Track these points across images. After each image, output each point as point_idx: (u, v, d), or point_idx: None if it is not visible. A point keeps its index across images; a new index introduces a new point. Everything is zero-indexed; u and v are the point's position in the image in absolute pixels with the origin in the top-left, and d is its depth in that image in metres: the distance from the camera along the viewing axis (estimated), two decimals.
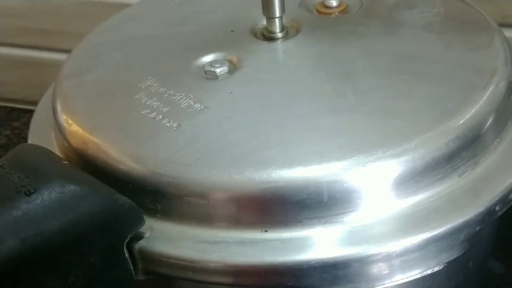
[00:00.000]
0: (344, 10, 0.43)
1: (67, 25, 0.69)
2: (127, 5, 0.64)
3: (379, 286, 0.33)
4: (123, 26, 0.45)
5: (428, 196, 0.33)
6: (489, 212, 0.33)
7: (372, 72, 0.37)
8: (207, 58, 0.39)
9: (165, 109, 0.36)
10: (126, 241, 0.31)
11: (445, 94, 0.36)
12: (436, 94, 0.36)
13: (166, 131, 0.35)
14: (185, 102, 0.36)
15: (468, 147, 0.34)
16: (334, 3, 0.43)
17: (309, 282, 0.32)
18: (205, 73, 0.38)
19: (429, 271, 0.33)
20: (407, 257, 0.32)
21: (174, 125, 0.35)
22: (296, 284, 0.32)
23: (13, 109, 0.75)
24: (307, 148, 0.33)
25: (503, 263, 0.49)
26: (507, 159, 0.35)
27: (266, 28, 0.40)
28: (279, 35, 0.40)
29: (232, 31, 0.41)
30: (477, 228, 0.33)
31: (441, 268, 0.33)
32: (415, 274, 0.33)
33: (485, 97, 0.35)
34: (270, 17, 0.40)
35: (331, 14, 0.42)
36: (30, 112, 0.73)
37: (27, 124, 0.72)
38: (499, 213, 0.34)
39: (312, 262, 0.31)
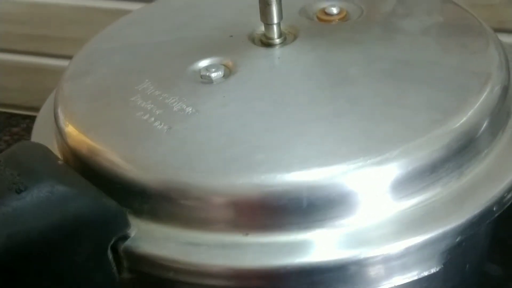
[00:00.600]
0: (344, 17, 0.43)
1: (66, 31, 0.69)
2: (126, 11, 0.65)
3: None
4: (124, 32, 0.46)
5: (417, 202, 0.34)
6: (473, 223, 0.34)
7: (367, 78, 0.38)
8: (204, 63, 0.40)
9: (158, 112, 0.36)
10: (111, 243, 0.32)
11: (438, 100, 0.36)
12: (429, 100, 0.36)
13: (156, 133, 0.35)
14: (178, 106, 0.37)
15: (463, 151, 0.35)
16: (335, 11, 0.43)
17: (301, 285, 0.32)
18: (201, 78, 0.39)
19: (425, 273, 0.33)
20: (395, 262, 0.33)
21: (165, 127, 0.35)
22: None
23: (12, 114, 0.75)
24: (298, 152, 0.33)
25: (500, 266, 0.49)
26: (502, 162, 0.36)
27: (264, 34, 0.41)
28: (277, 41, 0.41)
29: (231, 36, 0.42)
30: (458, 239, 0.33)
31: (437, 270, 0.34)
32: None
33: (479, 102, 0.36)
34: (268, 24, 0.40)
35: (332, 21, 0.43)
36: (30, 118, 0.74)
37: (26, 129, 0.73)
38: (485, 223, 0.34)
39: (307, 266, 0.32)
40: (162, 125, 0.36)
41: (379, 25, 0.42)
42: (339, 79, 0.38)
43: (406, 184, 0.33)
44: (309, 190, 0.32)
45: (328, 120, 0.35)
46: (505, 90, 0.38)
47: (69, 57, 0.70)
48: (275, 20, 0.40)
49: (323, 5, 0.44)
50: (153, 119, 0.36)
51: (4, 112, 0.76)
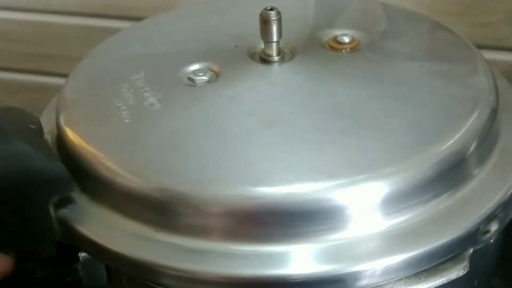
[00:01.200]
0: (355, 47, 0.43)
1: (68, 50, 0.70)
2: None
3: None
4: (126, 44, 0.46)
5: (403, 220, 0.34)
6: (457, 243, 0.34)
7: (357, 101, 0.38)
8: (195, 67, 0.41)
9: (131, 102, 0.39)
10: (54, 200, 0.35)
11: (428, 122, 0.37)
12: (418, 122, 0.37)
13: (118, 122, 0.37)
14: (150, 100, 0.39)
15: (452, 172, 0.35)
16: (347, 39, 0.43)
17: None
18: (187, 80, 0.40)
19: None
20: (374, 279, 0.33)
21: (128, 118, 0.38)
22: None
23: None
24: (281, 165, 0.34)
25: (503, 280, 0.49)
26: (490, 183, 0.36)
27: (263, 51, 0.42)
28: (275, 58, 0.42)
29: (236, 46, 0.43)
30: (461, 248, 0.34)
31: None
32: None
33: (468, 125, 0.36)
34: (267, 41, 0.41)
35: (343, 50, 0.43)
36: None
37: None
38: (470, 243, 0.35)
39: (282, 278, 0.32)
40: (126, 115, 0.38)
41: (380, 53, 0.43)
42: (329, 100, 0.38)
43: (392, 202, 0.34)
44: (293, 204, 0.33)
45: (315, 139, 0.36)
46: (493, 112, 0.38)
47: None
48: (274, 38, 0.41)
49: (336, 32, 0.44)
50: (124, 107, 0.38)
51: None
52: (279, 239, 0.33)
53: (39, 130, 0.38)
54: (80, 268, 0.37)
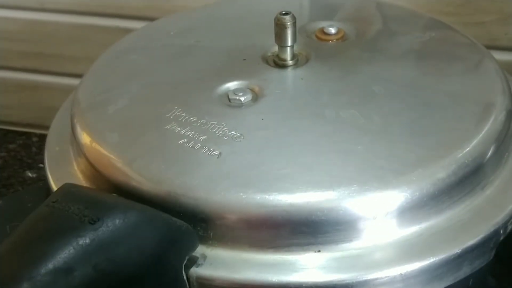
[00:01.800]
0: (342, 37, 0.44)
1: (63, 49, 0.69)
2: (124, 29, 0.66)
3: None
4: (129, 55, 0.46)
5: (422, 227, 0.34)
6: (486, 241, 0.34)
7: (373, 107, 0.38)
8: (229, 86, 0.40)
9: (201, 138, 0.36)
10: (184, 263, 0.32)
11: (444, 128, 0.37)
12: (434, 128, 0.37)
13: (208, 159, 0.35)
14: (220, 130, 0.37)
15: (469, 178, 0.35)
16: (333, 30, 0.44)
17: None
18: (229, 101, 0.39)
19: None
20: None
21: (216, 153, 0.35)
22: None
23: (9, 131, 0.75)
24: (295, 174, 0.34)
25: (496, 278, 0.50)
26: (507, 189, 0.36)
27: (277, 56, 0.42)
28: (290, 62, 0.41)
29: (245, 59, 0.42)
30: (475, 257, 0.34)
31: None
32: None
33: (484, 130, 0.36)
34: (282, 46, 0.41)
35: (330, 40, 0.44)
36: (26, 134, 0.74)
37: (22, 146, 0.73)
38: (487, 249, 0.35)
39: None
40: (211, 151, 0.36)
41: (378, 45, 0.43)
42: (363, 98, 0.38)
43: (407, 211, 0.34)
44: (307, 213, 0.33)
45: (329, 147, 0.36)
46: (509, 115, 0.38)
47: (66, 75, 0.71)
48: (289, 42, 0.41)
49: (320, 25, 0.45)
50: (199, 145, 0.36)
51: (1, 129, 0.75)
52: (292, 247, 0.33)
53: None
54: None
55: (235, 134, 0.36)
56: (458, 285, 0.37)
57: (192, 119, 0.38)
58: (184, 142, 0.36)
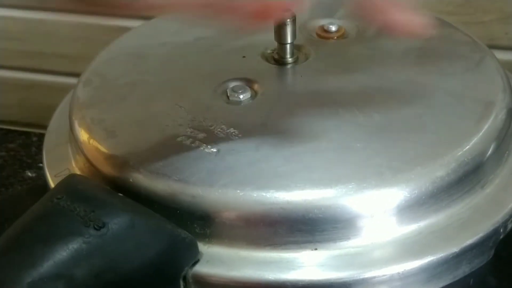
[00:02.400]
0: (343, 35, 0.44)
1: (63, 48, 0.69)
2: (123, 28, 0.65)
3: None
4: (128, 53, 0.46)
5: (422, 225, 0.34)
6: (487, 240, 0.34)
7: (372, 105, 0.38)
8: (228, 84, 0.40)
9: (200, 136, 0.36)
10: (184, 273, 0.32)
11: (444, 126, 0.36)
12: (434, 126, 0.36)
13: (207, 156, 0.35)
14: (218, 128, 0.37)
15: (469, 176, 0.35)
16: (333, 28, 0.44)
17: None
18: (228, 99, 0.39)
19: None
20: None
21: (214, 150, 0.35)
22: None
23: (8, 131, 0.75)
24: (294, 171, 0.34)
25: (497, 278, 0.50)
26: (507, 188, 0.36)
27: (277, 53, 0.42)
28: (290, 60, 0.41)
29: (244, 56, 0.42)
30: (475, 255, 0.34)
31: None
32: None
33: (485, 128, 0.36)
34: (282, 43, 0.41)
35: (330, 38, 0.44)
36: (26, 134, 0.74)
37: (22, 145, 0.73)
38: (486, 248, 0.35)
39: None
40: (209, 148, 0.36)
41: (378, 44, 0.43)
42: (345, 104, 0.38)
43: (407, 209, 0.34)
44: (306, 210, 0.33)
45: (329, 145, 0.35)
46: (509, 113, 0.38)
47: (65, 74, 0.71)
48: (289, 40, 0.41)
49: (321, 22, 0.45)
50: (197, 143, 0.36)
51: (1, 129, 0.75)
52: (289, 245, 0.33)
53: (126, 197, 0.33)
54: None
55: (233, 132, 0.36)
56: (459, 285, 0.37)
57: (190, 116, 0.38)
58: (182, 139, 0.36)
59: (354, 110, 0.37)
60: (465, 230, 0.34)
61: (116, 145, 0.37)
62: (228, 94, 0.39)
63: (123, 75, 0.42)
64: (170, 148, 0.36)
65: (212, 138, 0.36)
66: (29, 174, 0.69)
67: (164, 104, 0.39)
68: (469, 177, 0.35)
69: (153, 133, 0.37)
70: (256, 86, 0.40)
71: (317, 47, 0.43)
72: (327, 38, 0.44)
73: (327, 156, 0.35)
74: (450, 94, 0.39)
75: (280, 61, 0.41)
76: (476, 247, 0.34)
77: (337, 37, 0.44)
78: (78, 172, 0.38)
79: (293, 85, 0.41)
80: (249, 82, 0.40)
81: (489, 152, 0.36)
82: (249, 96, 0.39)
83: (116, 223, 0.30)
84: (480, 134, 0.36)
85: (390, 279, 0.33)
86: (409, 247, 0.33)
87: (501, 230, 0.35)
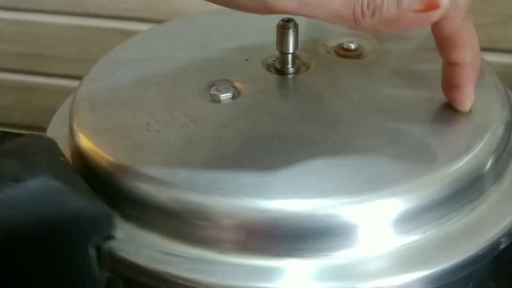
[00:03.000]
0: (361, 54, 0.43)
1: (60, 50, 0.69)
2: (121, 30, 0.66)
3: None
4: (145, 45, 0.46)
5: (419, 238, 0.34)
6: (485, 253, 0.34)
7: (371, 115, 0.38)
8: (215, 82, 0.40)
9: (159, 118, 0.38)
10: (95, 242, 0.34)
11: (444, 138, 0.37)
12: (434, 138, 0.37)
13: (151, 139, 0.37)
14: (179, 118, 0.38)
15: (466, 191, 0.35)
16: (352, 46, 0.43)
17: None
18: (210, 96, 0.40)
19: None
20: None
21: (158, 134, 0.37)
22: None
23: (6, 133, 0.75)
24: (291, 179, 0.34)
25: (496, 282, 0.50)
26: (504, 203, 0.36)
27: (279, 62, 0.42)
28: (291, 70, 0.41)
29: (247, 59, 0.43)
30: (471, 269, 0.34)
31: None
32: None
33: (483, 142, 0.36)
34: (283, 53, 0.41)
35: (348, 57, 0.43)
36: (23, 136, 0.73)
37: None
38: (481, 262, 0.35)
39: None
40: (160, 133, 0.37)
41: (388, 64, 0.43)
42: (343, 115, 0.38)
43: (403, 221, 0.34)
44: (302, 219, 0.33)
45: (326, 154, 0.35)
46: (508, 127, 0.38)
47: (64, 76, 0.71)
48: (291, 49, 0.41)
49: (342, 40, 0.44)
50: (155, 127, 0.37)
51: None
52: (284, 254, 0.33)
53: (67, 162, 0.36)
54: None
55: (187, 122, 0.38)
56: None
57: (166, 104, 0.39)
58: (146, 122, 0.38)
59: (348, 123, 0.38)
60: (462, 244, 0.34)
61: (115, 149, 0.37)
62: (211, 92, 0.40)
63: (125, 79, 0.42)
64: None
65: (167, 125, 0.37)
66: None
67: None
68: (466, 191, 0.35)
69: (126, 114, 0.39)
70: (240, 88, 0.40)
71: (324, 63, 0.43)
72: (344, 57, 0.43)
73: (322, 166, 0.35)
74: (448, 109, 0.39)
75: (279, 70, 0.42)
76: (473, 261, 0.34)
77: (355, 56, 0.43)
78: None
79: (279, 93, 0.41)
80: (233, 83, 0.41)
81: (486, 167, 0.36)
82: (230, 96, 0.39)
83: (34, 180, 0.32)
84: (478, 148, 0.36)
85: None
86: (404, 260, 0.33)
87: (499, 244, 0.35)
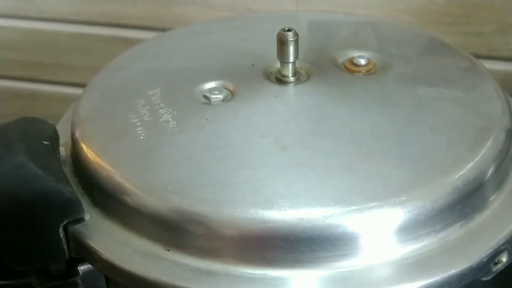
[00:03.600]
0: (371, 69, 0.43)
1: (62, 58, 0.70)
2: (122, 38, 0.66)
3: None
4: (143, 58, 0.46)
5: (419, 247, 0.34)
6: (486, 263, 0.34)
7: (373, 125, 0.38)
8: (210, 85, 0.41)
9: (147, 119, 0.39)
10: (63, 224, 0.35)
11: (445, 148, 0.37)
12: (435, 148, 0.37)
13: (133, 139, 0.38)
14: (166, 117, 0.39)
15: (468, 199, 0.35)
16: (362, 62, 0.43)
17: None
18: (203, 98, 0.40)
19: None
20: None
21: (143, 134, 0.38)
22: None
23: None
24: (292, 189, 0.34)
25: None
26: (505, 211, 0.36)
27: (279, 71, 0.42)
28: (291, 79, 0.42)
29: (253, 65, 0.43)
30: (474, 277, 0.34)
31: None
32: None
33: (483, 151, 0.36)
34: (283, 62, 0.41)
35: (359, 72, 0.43)
36: None
37: None
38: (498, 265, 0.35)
39: None
40: (141, 131, 0.38)
41: (394, 77, 0.43)
42: (344, 124, 0.38)
43: (404, 231, 0.34)
44: (303, 229, 0.33)
45: (328, 163, 0.36)
46: (509, 137, 0.38)
47: (65, 84, 0.71)
48: (291, 59, 0.41)
49: (352, 54, 0.44)
50: (139, 124, 0.39)
51: None
52: (286, 264, 0.33)
53: (53, 143, 0.38)
54: (79, 281, 0.37)
55: (172, 125, 0.38)
56: None
57: (158, 101, 0.40)
58: (133, 117, 0.39)
59: (351, 131, 0.38)
60: (465, 252, 0.34)
61: (116, 159, 0.37)
62: (204, 93, 0.41)
63: (127, 87, 0.43)
64: (118, 121, 0.38)
65: (152, 124, 0.39)
66: None
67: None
68: (468, 199, 0.35)
69: (119, 106, 0.40)
70: (234, 91, 0.41)
71: (325, 75, 0.43)
72: (353, 72, 0.43)
73: (324, 175, 0.35)
74: (450, 116, 0.39)
75: (279, 79, 0.42)
76: (474, 269, 0.34)
77: (364, 72, 0.43)
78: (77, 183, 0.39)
79: (272, 100, 0.41)
80: (229, 87, 0.41)
81: (488, 174, 0.36)
82: (221, 98, 0.40)
83: (10, 160, 0.35)
84: (479, 156, 0.36)
85: None
86: (408, 268, 0.33)
87: (501, 252, 0.35)
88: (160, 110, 0.40)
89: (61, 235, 0.35)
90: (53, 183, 0.34)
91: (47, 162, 0.36)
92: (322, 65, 0.43)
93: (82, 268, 0.37)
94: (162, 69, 0.44)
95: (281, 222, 0.33)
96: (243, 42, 0.46)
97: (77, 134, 0.39)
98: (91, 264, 0.36)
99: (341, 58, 0.44)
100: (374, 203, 0.33)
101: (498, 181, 0.37)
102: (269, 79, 0.42)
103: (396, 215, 0.33)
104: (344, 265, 0.33)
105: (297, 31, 0.40)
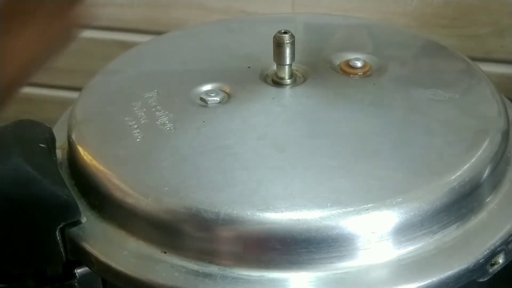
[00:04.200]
0: (366, 72, 0.43)
1: (59, 62, 0.69)
2: (123, 42, 0.66)
3: None
4: (139, 61, 0.46)
5: (416, 248, 0.34)
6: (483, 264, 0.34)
7: (370, 126, 0.38)
8: (208, 87, 0.42)
9: (143, 121, 0.39)
10: (60, 226, 0.35)
11: (441, 150, 0.37)
12: (431, 150, 0.37)
13: (130, 141, 0.38)
14: (162, 120, 0.39)
15: (464, 200, 0.35)
16: (359, 64, 0.43)
17: None
18: (200, 100, 0.41)
19: None
20: None
21: (140, 137, 0.38)
22: None
23: None
24: (289, 190, 0.34)
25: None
26: (501, 212, 0.36)
27: (275, 73, 0.42)
28: (288, 81, 0.42)
29: (249, 67, 0.43)
30: (471, 278, 0.34)
31: None
32: None
33: (479, 153, 0.37)
34: (280, 64, 0.41)
35: (353, 74, 0.43)
36: None
37: None
38: (495, 266, 0.35)
39: None
40: (138, 134, 0.38)
41: (391, 79, 0.43)
42: (340, 126, 0.39)
43: (401, 232, 0.34)
44: (300, 231, 0.33)
45: (324, 165, 0.36)
46: (504, 139, 0.38)
47: (62, 87, 0.71)
48: (287, 61, 0.41)
49: (349, 56, 0.44)
50: (136, 126, 0.39)
51: None
52: (283, 265, 0.33)
53: (50, 146, 0.38)
54: (76, 284, 0.37)
55: (168, 127, 0.39)
56: None
57: (154, 103, 0.40)
58: (129, 119, 0.39)
59: (348, 133, 0.38)
60: (461, 253, 0.34)
61: (113, 162, 0.37)
62: (200, 95, 0.41)
63: (123, 90, 0.43)
64: (115, 122, 0.39)
65: (149, 126, 0.39)
66: None
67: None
68: (464, 200, 0.35)
69: (116, 108, 0.40)
70: (231, 93, 0.41)
71: (322, 77, 0.43)
72: (349, 74, 0.43)
73: (321, 177, 0.35)
74: (446, 118, 0.39)
75: (276, 81, 0.42)
76: (470, 270, 0.34)
77: (361, 74, 0.43)
78: (74, 186, 0.39)
79: (268, 102, 0.41)
80: (225, 89, 0.41)
81: (484, 176, 0.36)
82: (218, 100, 0.40)
83: (5, 163, 0.35)
84: (476, 157, 0.36)
85: None
86: (404, 269, 0.34)
87: (497, 253, 0.35)
88: (157, 113, 0.40)
89: (58, 238, 0.35)
90: (50, 186, 0.35)
91: (43, 165, 0.36)
92: (318, 67, 0.44)
93: (79, 270, 0.37)
94: (159, 71, 0.44)
95: (278, 223, 0.33)
96: (239, 44, 0.46)
97: (73, 137, 0.40)
98: (88, 266, 0.36)
99: (337, 60, 0.44)
100: (371, 205, 0.33)
101: (494, 183, 0.37)
102: (265, 81, 0.42)
103: (393, 216, 0.34)
104: (341, 267, 0.33)
105: (294, 34, 0.40)
